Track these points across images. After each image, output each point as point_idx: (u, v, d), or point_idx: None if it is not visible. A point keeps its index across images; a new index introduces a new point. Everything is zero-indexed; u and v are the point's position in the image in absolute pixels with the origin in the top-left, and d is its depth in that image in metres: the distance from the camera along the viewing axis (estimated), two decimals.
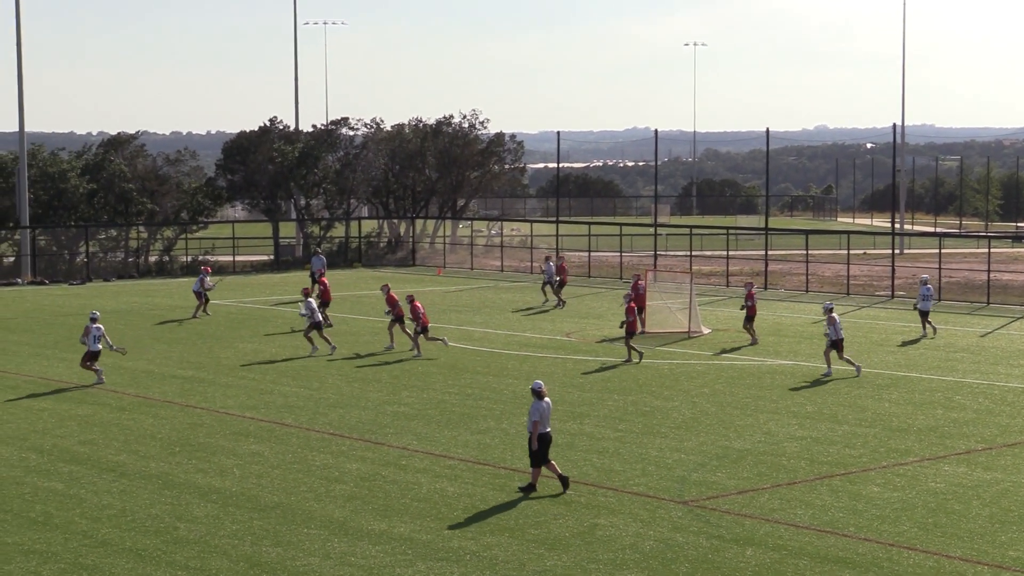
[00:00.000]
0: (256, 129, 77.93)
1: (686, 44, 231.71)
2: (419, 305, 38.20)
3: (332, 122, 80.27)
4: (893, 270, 57.46)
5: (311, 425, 27.86)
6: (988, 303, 52.96)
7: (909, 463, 24.38)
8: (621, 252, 68.19)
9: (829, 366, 34.29)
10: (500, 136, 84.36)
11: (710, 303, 51.51)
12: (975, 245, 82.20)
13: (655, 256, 66.98)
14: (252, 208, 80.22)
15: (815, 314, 48.74)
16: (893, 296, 55.01)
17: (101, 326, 33.23)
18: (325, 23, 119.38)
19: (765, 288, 59.18)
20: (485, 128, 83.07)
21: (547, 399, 22.29)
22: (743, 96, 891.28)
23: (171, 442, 26.18)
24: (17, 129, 68.43)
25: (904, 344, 40.63)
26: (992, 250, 56.26)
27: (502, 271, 69.18)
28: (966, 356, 38.17)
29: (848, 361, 34.42)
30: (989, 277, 55.10)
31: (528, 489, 22.07)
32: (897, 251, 68.22)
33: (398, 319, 39.04)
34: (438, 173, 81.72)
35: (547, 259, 54.19)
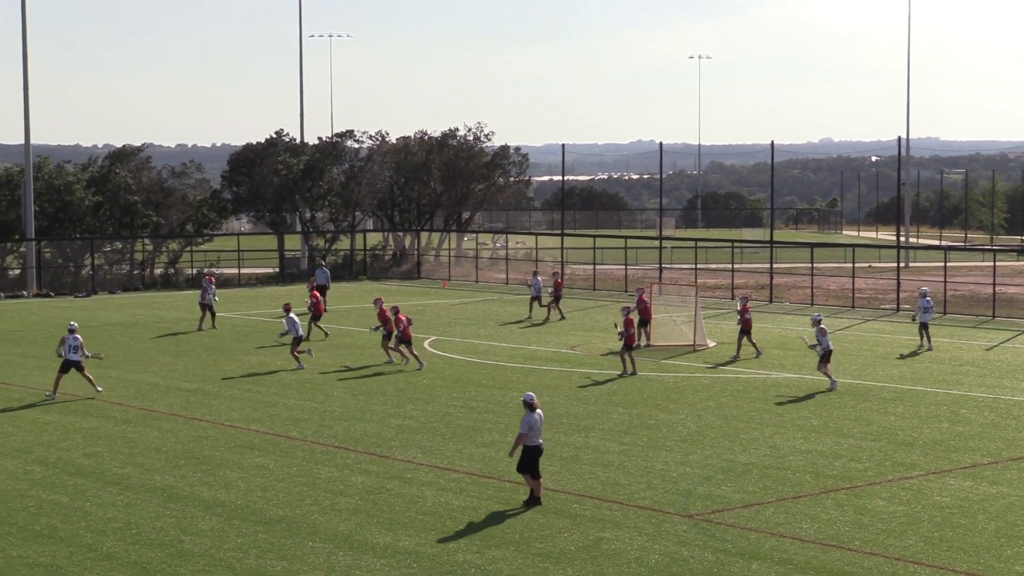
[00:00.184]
0: (262, 142, 78.07)
1: (691, 57, 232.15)
2: (403, 317, 38.11)
3: (337, 134, 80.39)
4: (898, 283, 57.41)
5: (316, 438, 27.84)
6: (993, 316, 52.91)
7: (915, 477, 24.34)
8: (626, 265, 68.19)
9: (831, 378, 34.26)
10: (505, 149, 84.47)
11: (715, 316, 51.47)
12: (980, 258, 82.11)
13: (660, 269, 66.97)
14: (257, 221, 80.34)
15: None
16: (898, 309, 54.95)
17: (79, 336, 32.97)
18: (330, 36, 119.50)
19: (770, 301, 59.17)
20: (490, 141, 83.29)
21: (539, 411, 22.28)
22: (748, 109, 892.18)
23: (176, 455, 26.17)
24: (23, 141, 68.53)
25: (904, 357, 40.57)
26: (997, 263, 56.22)
27: (507, 284, 69.18)
28: (971, 369, 38.12)
29: (826, 374, 34.35)
30: (994, 290, 55.05)
31: (532, 502, 22.06)
32: (902, 264, 68.21)
33: (389, 335, 38.80)
34: (443, 186, 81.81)
35: (534, 273, 54.11)
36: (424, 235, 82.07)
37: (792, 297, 60.99)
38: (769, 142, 66.52)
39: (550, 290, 53.36)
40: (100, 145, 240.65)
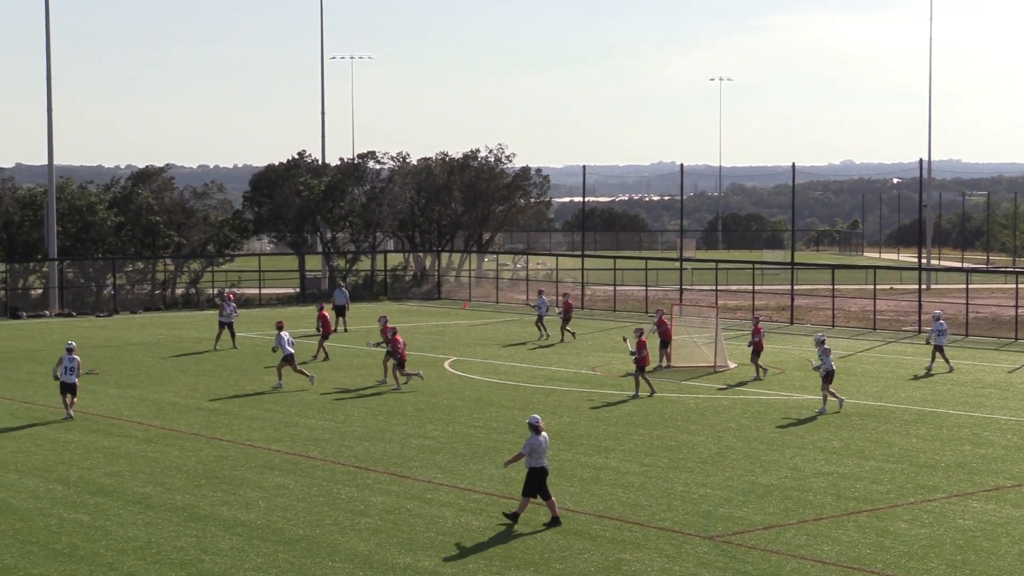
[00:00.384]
0: (283, 162, 78.32)
1: (712, 79, 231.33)
2: (400, 339, 38.09)
3: (359, 155, 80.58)
4: (920, 305, 57.23)
5: (336, 458, 27.86)
6: (1016, 339, 52.68)
7: (937, 500, 24.23)
8: (647, 286, 68.13)
9: (838, 397, 34.06)
10: (526, 170, 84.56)
11: (736, 337, 51.36)
12: (1003, 280, 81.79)
13: (681, 290, 66.92)
14: (278, 241, 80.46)
15: (841, 349, 48.57)
16: (920, 331, 54.76)
17: (77, 357, 32.87)
18: (352, 57, 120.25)
19: (791, 323, 59.04)
20: (511, 162, 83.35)
21: (544, 434, 22.32)
22: (769, 131, 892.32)
23: (197, 474, 26.22)
24: (46, 162, 68.90)
25: (917, 378, 40.40)
26: (1020, 286, 55.92)
27: (528, 305, 69.15)
28: (994, 392, 37.95)
29: (832, 394, 34.17)
30: (1017, 313, 54.78)
31: (513, 517, 22.13)
32: (924, 286, 67.98)
33: (391, 355, 38.55)
34: (464, 207, 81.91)
35: (540, 293, 53.97)
36: (445, 256, 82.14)
37: (813, 319, 60.83)
38: (790, 164, 66.54)
39: (558, 311, 53.26)
40: (122, 166, 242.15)
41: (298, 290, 74.24)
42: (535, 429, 22.21)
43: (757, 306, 62.86)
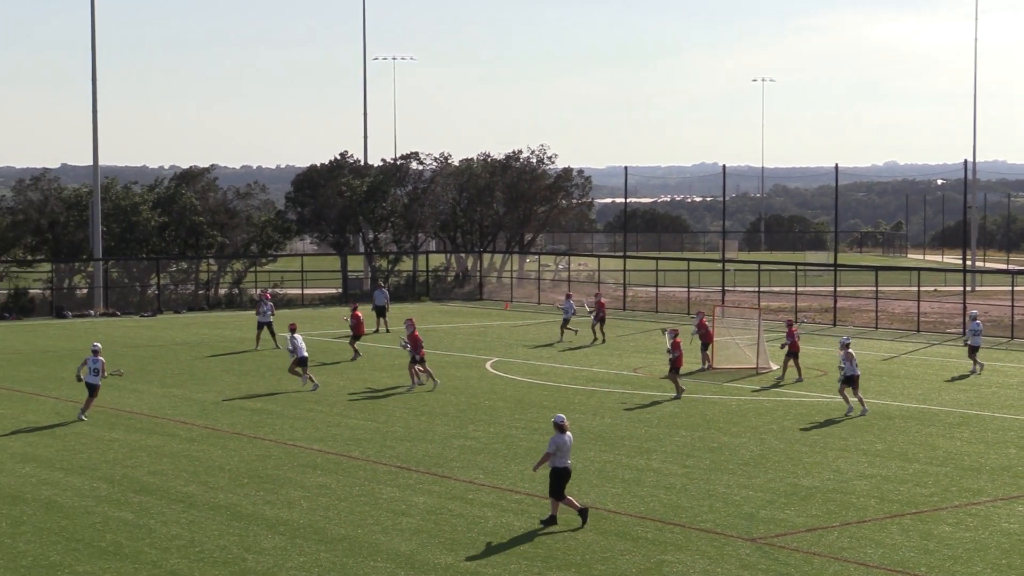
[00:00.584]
0: (326, 163, 78.62)
1: (754, 79, 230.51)
2: (419, 335, 38.11)
3: (402, 156, 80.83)
4: (964, 307, 56.84)
5: (378, 458, 27.93)
6: None
7: (982, 503, 24.06)
8: (689, 287, 67.97)
9: (849, 403, 33.73)
10: (568, 171, 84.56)
11: (778, 339, 51.11)
12: None
13: (723, 292, 66.71)
14: (321, 241, 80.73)
15: (885, 351, 48.37)
16: (964, 333, 54.34)
17: (101, 359, 32.77)
18: (394, 58, 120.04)
19: (834, 324, 58.77)
20: (553, 163, 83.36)
21: (569, 433, 22.32)
22: (812, 131, 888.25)
23: (239, 474, 26.34)
24: (91, 163, 69.44)
25: (954, 379, 40.09)
26: None
27: (556, 307, 69.01)
28: None
29: (860, 400, 33.88)
30: None
31: (549, 521, 22.13)
32: (968, 288, 67.52)
33: (418, 359, 38.40)
34: (506, 208, 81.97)
35: (567, 296, 53.85)
36: (486, 256, 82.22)
37: (856, 320, 60.52)
38: (833, 165, 66.21)
39: (589, 311, 53.17)
40: (167, 166, 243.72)
41: (340, 290, 74.48)
42: (560, 428, 22.27)
43: (800, 307, 62.62)
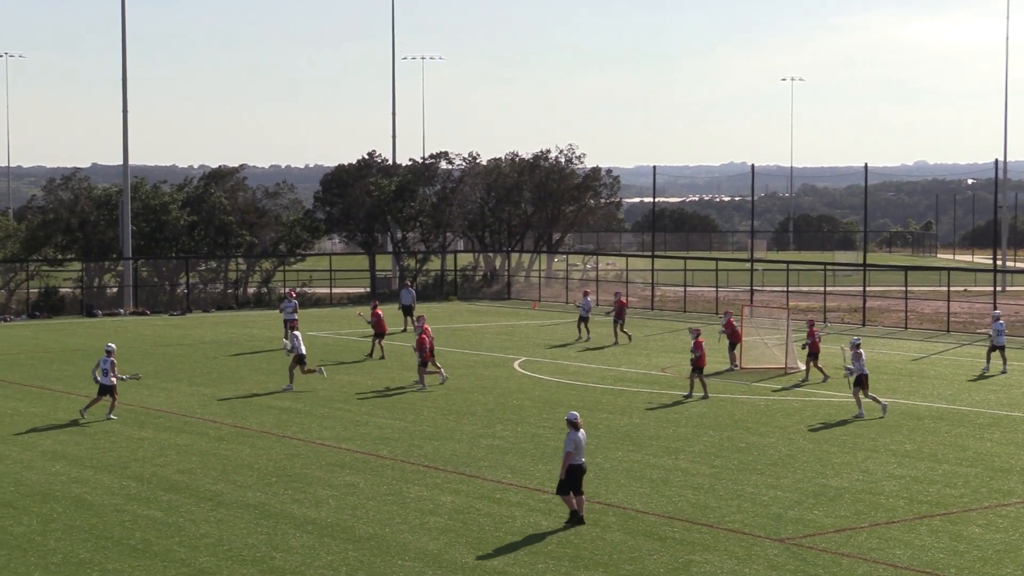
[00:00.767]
0: (354, 163, 78.77)
1: (783, 78, 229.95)
2: (426, 338, 38.11)
3: (432, 156, 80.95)
4: (995, 307, 56.51)
5: (406, 457, 27.97)
6: None
7: (1012, 504, 23.93)
8: (717, 287, 67.83)
9: (860, 406, 33.50)
10: (596, 170, 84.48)
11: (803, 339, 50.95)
12: None
13: (751, 291, 66.55)
14: (349, 241, 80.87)
15: (914, 351, 48.18)
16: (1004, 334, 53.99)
17: (113, 359, 32.82)
18: (423, 58, 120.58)
19: (863, 324, 58.56)
20: (581, 162, 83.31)
21: (582, 431, 22.31)
22: (841, 131, 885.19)
23: (268, 472, 26.42)
24: (122, 162, 69.77)
25: (973, 380, 39.90)
26: None
27: (597, 305, 69.00)
28: None
29: (874, 399, 33.62)
30: None
31: (574, 519, 22.07)
32: (999, 288, 67.17)
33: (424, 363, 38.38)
34: (534, 207, 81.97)
35: (585, 294, 53.76)
36: (515, 256, 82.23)
37: (885, 320, 60.29)
38: (862, 164, 65.97)
39: (607, 312, 53.04)
40: (196, 166, 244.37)
41: (368, 290, 74.62)
42: (574, 426, 22.26)
43: (829, 307, 62.41)
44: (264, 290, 72.53)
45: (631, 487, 24.95)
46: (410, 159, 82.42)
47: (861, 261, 73.36)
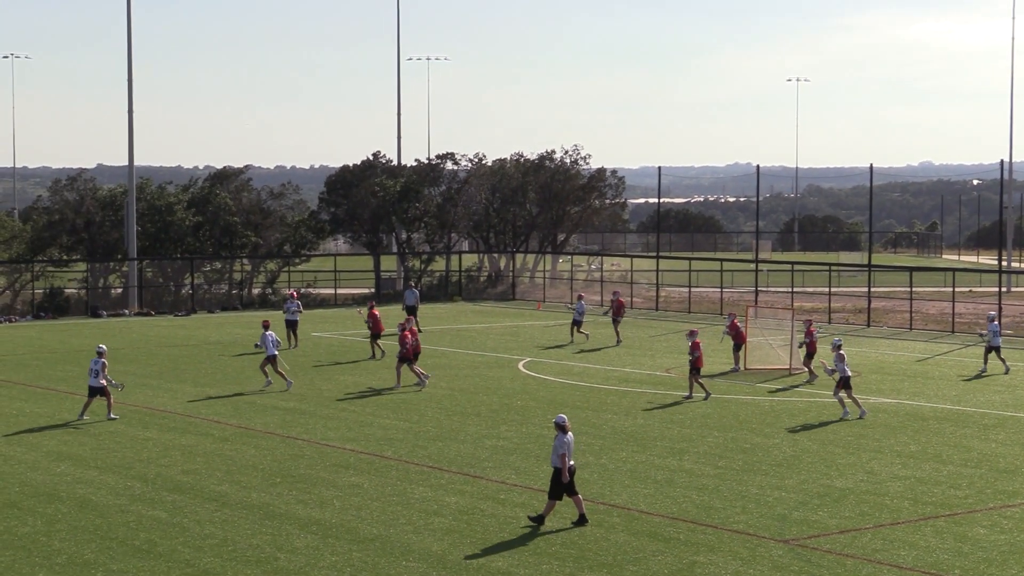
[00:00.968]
0: (359, 163, 78.80)
1: (788, 79, 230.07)
2: (408, 336, 38.06)
3: (438, 156, 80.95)
4: (1000, 308, 56.49)
5: (410, 458, 27.97)
6: None
7: (1017, 505, 23.90)
8: (722, 288, 67.79)
9: (844, 406, 33.46)
10: (601, 171, 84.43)
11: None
12: None
13: (756, 292, 66.52)
14: (354, 241, 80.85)
15: (919, 352, 48.15)
16: (1000, 335, 53.92)
17: (103, 361, 32.75)
18: (428, 59, 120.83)
19: (868, 325, 58.52)
20: (586, 163, 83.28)
21: (570, 434, 22.32)
22: (846, 131, 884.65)
23: (272, 473, 26.43)
24: (127, 163, 69.81)
25: (968, 379, 39.88)
26: None
27: (601, 306, 69.00)
28: None
29: (855, 402, 33.57)
30: None
31: (538, 520, 22.13)
32: (1004, 289, 67.10)
33: (404, 359, 38.23)
34: (539, 208, 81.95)
35: (579, 297, 53.75)
36: (519, 257, 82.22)
37: (890, 321, 60.25)
38: (868, 165, 65.94)
39: (605, 311, 52.96)
40: (201, 166, 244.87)
41: (373, 290, 74.64)
42: (562, 429, 22.25)
43: (834, 308, 62.38)
44: (269, 291, 72.55)
45: (635, 488, 24.95)
46: (415, 160, 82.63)
47: (866, 262, 73.32)
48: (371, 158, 79.31)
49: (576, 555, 20.39)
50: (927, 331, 56.49)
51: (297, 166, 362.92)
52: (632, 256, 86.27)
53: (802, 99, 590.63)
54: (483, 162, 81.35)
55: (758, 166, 70.93)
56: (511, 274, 78.95)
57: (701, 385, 36.38)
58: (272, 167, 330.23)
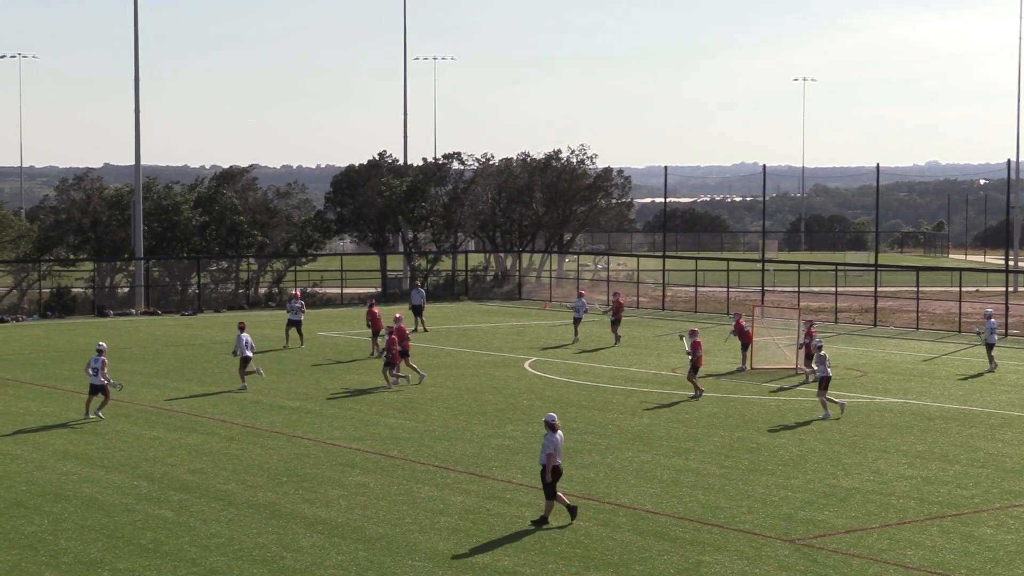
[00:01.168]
0: (365, 163, 78.85)
1: (795, 79, 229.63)
2: (395, 338, 38.04)
3: (444, 156, 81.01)
4: (1007, 308, 56.41)
5: (416, 457, 27.98)
6: None
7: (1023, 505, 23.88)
8: (728, 287, 67.75)
9: (826, 408, 33.35)
10: (608, 171, 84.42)
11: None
12: None
13: (762, 292, 66.46)
14: (360, 241, 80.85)
15: (925, 352, 48.10)
16: (1007, 334, 53.96)
17: (103, 358, 32.76)
18: (435, 58, 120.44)
19: (874, 325, 58.47)
20: (593, 163, 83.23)
21: (560, 432, 22.30)
22: (853, 131, 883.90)
23: (278, 472, 26.45)
24: (133, 163, 69.87)
25: (966, 378, 39.84)
26: None
27: (608, 305, 68.98)
28: None
29: (831, 400, 33.49)
30: None
31: (540, 522, 22.10)
32: (1010, 289, 67.02)
33: (404, 355, 38.40)
34: (545, 207, 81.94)
35: (580, 295, 53.68)
36: (526, 256, 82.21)
37: (897, 321, 60.18)
38: (874, 164, 65.84)
39: (604, 311, 52.88)
40: (207, 166, 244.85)
41: (380, 289, 74.66)
42: (551, 427, 22.27)
43: (840, 308, 62.31)
44: (275, 290, 72.59)
45: (641, 487, 24.95)
46: (422, 159, 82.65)
47: (872, 261, 73.25)
48: (377, 158, 79.34)
49: (582, 554, 20.39)
50: (934, 331, 56.43)
51: (303, 165, 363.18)
52: (638, 256, 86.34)
53: (809, 99, 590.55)
54: (489, 162, 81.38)
55: (764, 166, 70.86)
56: (517, 274, 78.94)
57: (694, 384, 36.38)
58: (278, 167, 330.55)
